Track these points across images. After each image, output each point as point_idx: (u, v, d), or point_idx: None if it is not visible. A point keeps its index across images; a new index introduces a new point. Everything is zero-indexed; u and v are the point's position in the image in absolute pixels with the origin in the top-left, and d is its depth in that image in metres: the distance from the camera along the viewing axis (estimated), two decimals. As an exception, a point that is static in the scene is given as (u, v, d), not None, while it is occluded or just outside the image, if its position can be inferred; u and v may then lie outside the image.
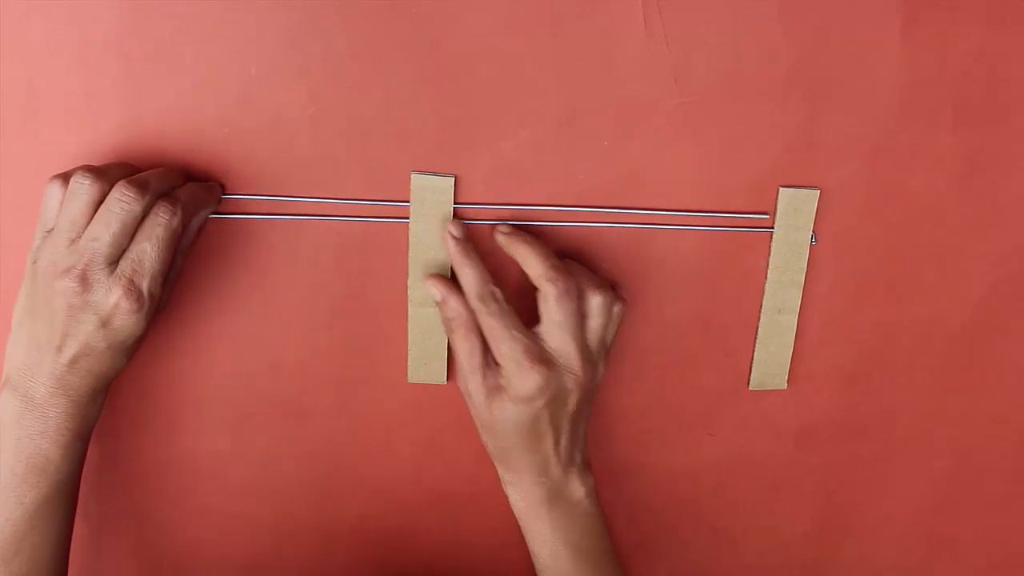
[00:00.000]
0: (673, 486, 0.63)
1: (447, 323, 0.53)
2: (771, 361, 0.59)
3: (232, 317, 0.56)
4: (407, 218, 0.53)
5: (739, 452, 0.62)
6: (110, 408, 0.57)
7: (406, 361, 0.57)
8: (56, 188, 0.47)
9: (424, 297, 0.55)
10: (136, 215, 0.45)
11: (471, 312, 0.52)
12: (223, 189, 0.52)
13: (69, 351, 0.46)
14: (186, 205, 0.48)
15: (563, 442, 0.53)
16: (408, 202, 0.53)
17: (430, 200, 0.53)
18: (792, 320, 0.58)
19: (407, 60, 0.51)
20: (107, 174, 0.46)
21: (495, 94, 0.52)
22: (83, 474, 0.57)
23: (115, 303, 0.45)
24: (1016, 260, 0.59)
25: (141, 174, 0.47)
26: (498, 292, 0.51)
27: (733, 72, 0.53)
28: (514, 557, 0.64)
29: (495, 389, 0.52)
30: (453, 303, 0.52)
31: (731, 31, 0.52)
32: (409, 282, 0.55)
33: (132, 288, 0.45)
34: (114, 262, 0.45)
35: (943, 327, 0.61)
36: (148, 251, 0.46)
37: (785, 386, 0.60)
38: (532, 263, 0.52)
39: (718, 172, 0.55)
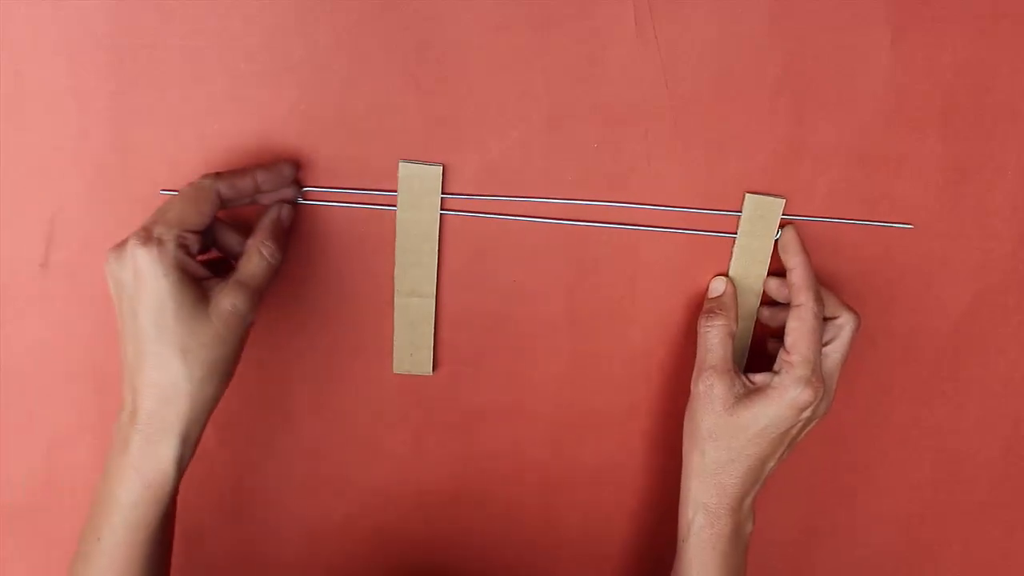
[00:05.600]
0: (654, 490, 0.63)
1: (712, 318, 0.55)
2: None
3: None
4: (394, 206, 0.54)
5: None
6: (90, 405, 0.57)
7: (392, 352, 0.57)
8: None
9: (410, 287, 0.55)
10: (190, 192, 0.47)
11: (736, 318, 0.55)
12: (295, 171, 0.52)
13: (129, 353, 0.46)
14: (227, 174, 0.48)
15: (774, 468, 0.55)
16: (395, 191, 0.53)
17: (418, 189, 0.53)
18: (748, 326, 0.58)
19: (396, 59, 0.51)
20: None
21: (484, 94, 0.52)
22: (59, 472, 0.58)
23: (130, 253, 0.44)
24: (1001, 269, 0.59)
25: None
26: None
27: (723, 76, 0.53)
28: (499, 555, 0.63)
29: (744, 394, 0.53)
30: (731, 302, 0.56)
31: (721, 36, 0.52)
32: (396, 271, 0.55)
33: (143, 234, 0.44)
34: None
35: (928, 335, 0.61)
36: (170, 203, 0.46)
37: None
38: (829, 292, 0.55)
39: (706, 175, 0.55)
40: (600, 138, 0.54)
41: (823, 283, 0.56)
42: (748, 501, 0.55)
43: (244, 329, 0.47)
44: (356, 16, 0.50)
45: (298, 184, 0.52)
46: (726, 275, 0.57)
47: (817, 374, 0.52)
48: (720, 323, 0.55)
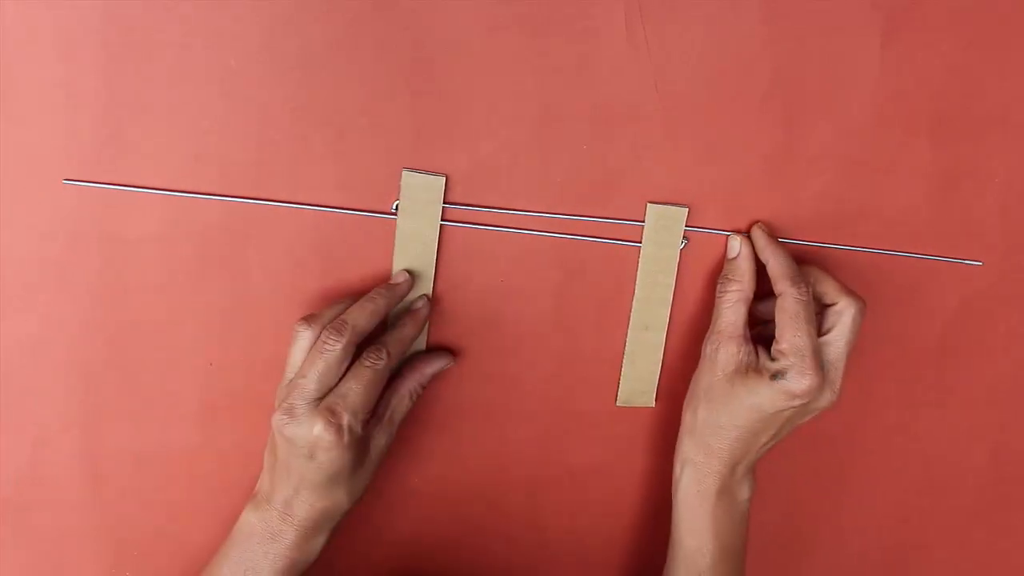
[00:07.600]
0: (640, 490, 0.64)
1: (726, 284, 0.55)
2: (638, 378, 0.59)
3: (205, 310, 0.54)
4: (394, 214, 0.53)
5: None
6: (78, 400, 0.55)
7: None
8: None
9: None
10: (338, 356, 0.49)
11: (753, 284, 0.55)
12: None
13: (291, 481, 0.51)
14: (392, 347, 0.52)
15: (770, 446, 0.55)
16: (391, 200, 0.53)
17: (420, 199, 0.52)
18: (660, 337, 0.58)
19: (388, 58, 0.50)
20: (320, 319, 0.51)
21: (475, 95, 0.52)
22: (45, 468, 0.56)
23: (316, 435, 0.48)
24: (988, 276, 0.60)
25: (343, 316, 0.50)
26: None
27: (713, 81, 0.53)
28: (485, 555, 0.64)
29: (748, 366, 0.53)
30: (747, 266, 0.55)
31: (712, 40, 0.52)
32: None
33: (332, 421, 0.48)
34: (319, 399, 0.49)
35: (914, 340, 0.62)
36: (352, 387, 0.49)
37: (652, 404, 0.61)
38: (829, 277, 0.54)
39: (694, 179, 0.55)
40: (590, 140, 0.54)
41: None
42: (741, 468, 0.55)
43: None
44: (351, 16, 0.49)
45: (428, 299, 0.55)
46: (746, 234, 0.56)
47: (808, 362, 0.51)
48: (733, 289, 0.55)
